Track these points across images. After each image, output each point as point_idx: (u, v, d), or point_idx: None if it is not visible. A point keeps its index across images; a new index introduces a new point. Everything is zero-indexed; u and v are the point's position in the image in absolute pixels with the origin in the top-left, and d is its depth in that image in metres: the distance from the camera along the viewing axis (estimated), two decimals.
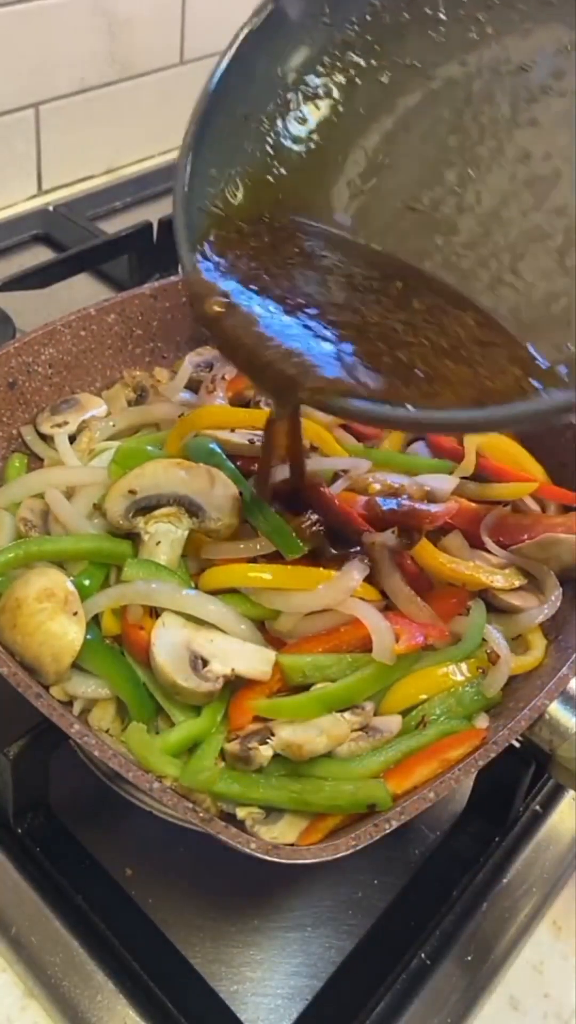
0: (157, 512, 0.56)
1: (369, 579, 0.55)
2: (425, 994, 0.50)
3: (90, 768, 0.56)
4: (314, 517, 0.56)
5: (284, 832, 0.48)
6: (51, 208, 1.05)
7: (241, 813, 0.48)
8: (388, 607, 0.55)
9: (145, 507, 0.56)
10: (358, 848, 0.44)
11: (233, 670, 0.50)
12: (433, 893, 0.54)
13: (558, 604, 0.59)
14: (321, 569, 0.54)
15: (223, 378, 0.67)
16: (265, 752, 0.49)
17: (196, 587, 0.54)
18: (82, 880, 0.53)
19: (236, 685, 0.51)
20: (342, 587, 0.53)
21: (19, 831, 0.54)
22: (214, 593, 0.54)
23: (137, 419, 0.66)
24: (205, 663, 0.50)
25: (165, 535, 0.55)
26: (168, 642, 0.51)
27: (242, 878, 0.55)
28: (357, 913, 0.54)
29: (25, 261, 0.96)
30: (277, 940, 0.53)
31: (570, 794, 0.59)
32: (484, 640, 0.56)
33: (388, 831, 0.44)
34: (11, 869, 0.52)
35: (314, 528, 0.55)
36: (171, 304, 0.72)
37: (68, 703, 0.52)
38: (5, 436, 0.64)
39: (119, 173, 1.15)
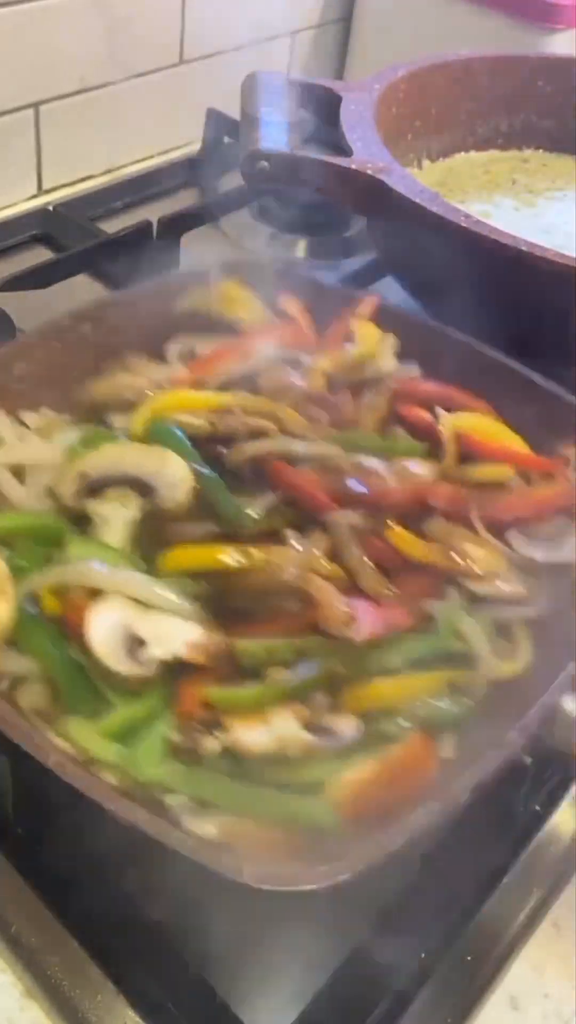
0: (107, 493, 0.56)
1: (337, 561, 0.54)
2: (425, 994, 0.50)
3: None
4: (274, 496, 0.56)
5: (214, 830, 0.47)
6: (51, 208, 1.05)
7: (171, 800, 0.47)
8: (356, 590, 0.54)
9: (96, 488, 0.56)
10: (359, 871, 0.43)
11: (173, 654, 0.49)
12: (433, 893, 0.54)
13: (546, 601, 0.57)
14: (279, 547, 0.54)
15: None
16: (211, 745, 0.48)
17: (155, 570, 0.54)
18: (82, 880, 0.53)
19: (185, 670, 0.50)
20: (299, 562, 0.53)
21: (19, 831, 0.54)
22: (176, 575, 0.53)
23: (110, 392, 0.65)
24: (142, 645, 0.49)
25: (114, 515, 0.55)
26: (104, 623, 0.50)
27: None
28: (357, 913, 0.54)
29: (25, 261, 0.95)
30: (277, 940, 0.53)
31: (570, 794, 0.59)
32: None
33: (392, 849, 0.44)
34: (11, 869, 0.52)
35: (273, 508, 0.56)
36: (147, 311, 0.70)
37: None
38: None
39: (119, 173, 1.15)
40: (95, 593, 0.52)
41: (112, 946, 0.50)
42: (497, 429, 0.66)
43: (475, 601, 0.56)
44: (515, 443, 0.65)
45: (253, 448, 0.60)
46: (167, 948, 0.51)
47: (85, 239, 0.97)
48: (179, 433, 0.59)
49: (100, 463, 0.56)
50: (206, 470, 0.57)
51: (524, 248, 0.69)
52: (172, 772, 0.48)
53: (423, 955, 0.51)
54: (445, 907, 0.54)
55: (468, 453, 0.64)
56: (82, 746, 0.48)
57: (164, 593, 0.52)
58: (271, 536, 0.56)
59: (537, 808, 0.58)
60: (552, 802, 0.58)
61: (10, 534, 0.56)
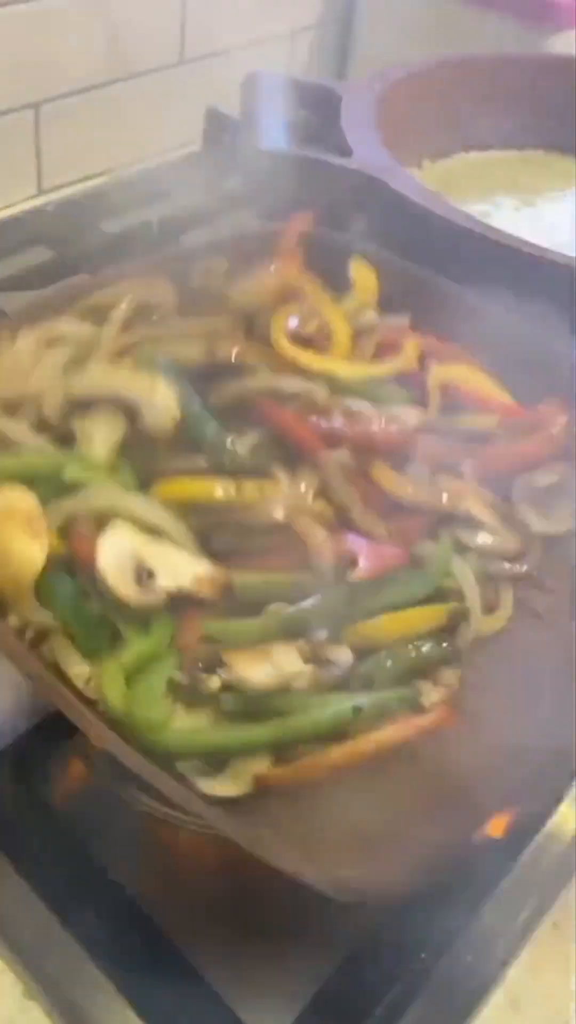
0: (93, 412, 0.56)
1: (326, 499, 0.55)
2: (425, 994, 0.50)
3: (90, 768, 0.56)
4: (260, 433, 0.56)
5: (230, 784, 0.47)
6: (51, 208, 1.05)
7: (182, 767, 0.47)
8: (344, 527, 0.55)
9: (82, 408, 0.56)
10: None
11: (179, 586, 0.49)
12: (433, 893, 0.54)
13: (539, 556, 0.57)
14: (270, 483, 0.54)
15: None
16: (212, 682, 0.48)
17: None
18: (82, 880, 0.53)
19: (185, 604, 0.50)
20: (290, 499, 0.53)
21: (19, 831, 0.54)
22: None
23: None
24: (151, 575, 0.49)
25: (97, 431, 0.55)
26: (115, 550, 0.49)
27: (243, 878, 0.55)
28: (357, 913, 0.54)
29: (25, 261, 0.95)
30: (277, 940, 0.53)
31: (570, 794, 0.59)
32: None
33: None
34: (11, 869, 0.52)
35: (261, 446, 0.56)
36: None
37: (22, 631, 0.51)
38: None
39: (119, 173, 1.15)
40: (101, 525, 0.51)
41: (112, 946, 0.50)
42: (483, 381, 0.65)
43: (463, 550, 0.57)
44: (500, 394, 0.65)
45: (241, 385, 0.60)
46: (167, 948, 0.51)
47: (85, 239, 0.97)
48: (167, 363, 0.59)
49: (87, 383, 0.56)
50: (194, 399, 0.57)
51: (524, 248, 0.69)
52: (171, 713, 0.47)
53: (423, 955, 0.51)
54: (445, 907, 0.54)
55: (454, 403, 0.64)
56: (105, 696, 0.47)
57: (168, 517, 0.52)
58: (259, 475, 0.56)
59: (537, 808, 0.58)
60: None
61: (17, 474, 0.54)
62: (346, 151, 0.80)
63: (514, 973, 0.52)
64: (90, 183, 1.12)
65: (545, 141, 1.07)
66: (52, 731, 0.50)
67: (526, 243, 0.70)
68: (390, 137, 0.83)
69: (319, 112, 0.90)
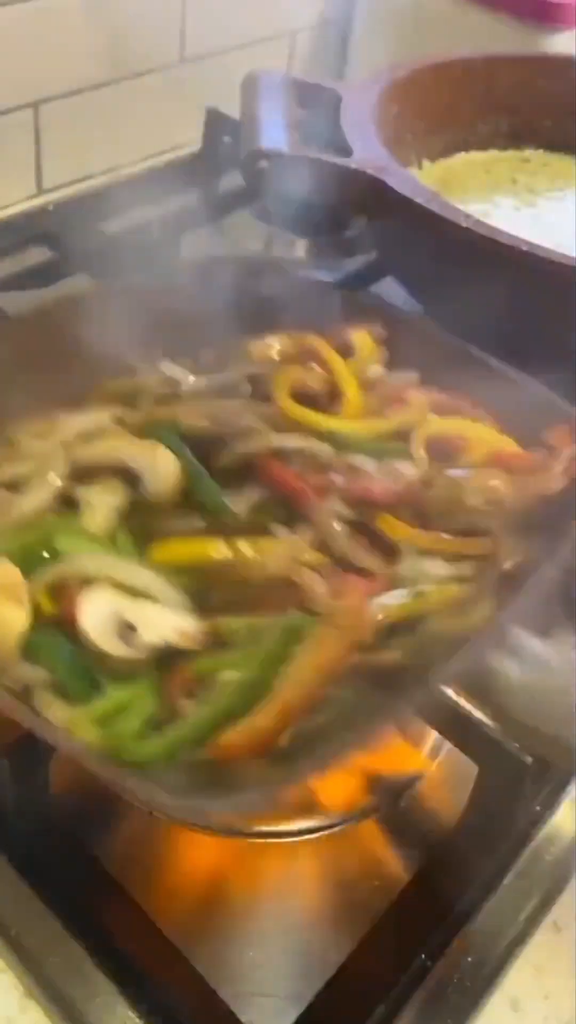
0: (95, 481, 0.58)
1: (324, 551, 0.56)
2: (425, 994, 0.50)
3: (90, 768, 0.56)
4: (261, 491, 0.58)
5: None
6: (51, 208, 1.05)
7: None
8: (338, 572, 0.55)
9: (85, 476, 0.58)
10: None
11: (163, 639, 0.51)
12: (433, 893, 0.54)
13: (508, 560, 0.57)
14: (266, 539, 0.55)
15: None
16: (191, 707, 0.49)
17: (144, 562, 0.55)
18: (82, 880, 0.53)
19: (172, 659, 0.51)
20: (285, 551, 0.54)
21: (19, 831, 0.54)
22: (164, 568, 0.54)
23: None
24: (133, 631, 0.51)
25: (99, 501, 0.57)
26: (96, 609, 0.52)
27: (243, 878, 0.55)
28: (357, 913, 0.54)
29: (25, 261, 0.95)
30: (277, 940, 0.53)
31: (570, 794, 0.59)
32: None
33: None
34: (11, 869, 0.52)
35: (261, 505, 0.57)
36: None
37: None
38: None
39: (119, 173, 1.15)
40: (87, 585, 0.53)
41: (112, 946, 0.50)
42: (484, 433, 0.66)
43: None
44: (505, 443, 0.65)
45: (244, 445, 0.61)
46: (167, 948, 0.51)
47: (85, 239, 0.97)
48: (168, 429, 0.61)
49: (91, 450, 0.58)
50: (194, 463, 0.59)
51: (524, 248, 0.69)
52: (152, 747, 0.48)
53: (423, 955, 0.51)
54: (445, 907, 0.54)
55: (456, 456, 0.64)
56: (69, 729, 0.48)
57: (153, 579, 0.53)
58: (258, 532, 0.57)
59: (537, 808, 0.58)
60: (552, 802, 0.58)
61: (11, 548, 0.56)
62: (346, 151, 0.80)
63: (514, 973, 0.52)
64: (90, 183, 1.12)
65: (545, 141, 1.06)
66: None
67: (526, 243, 0.69)
68: (390, 137, 0.83)
69: (319, 112, 0.90)
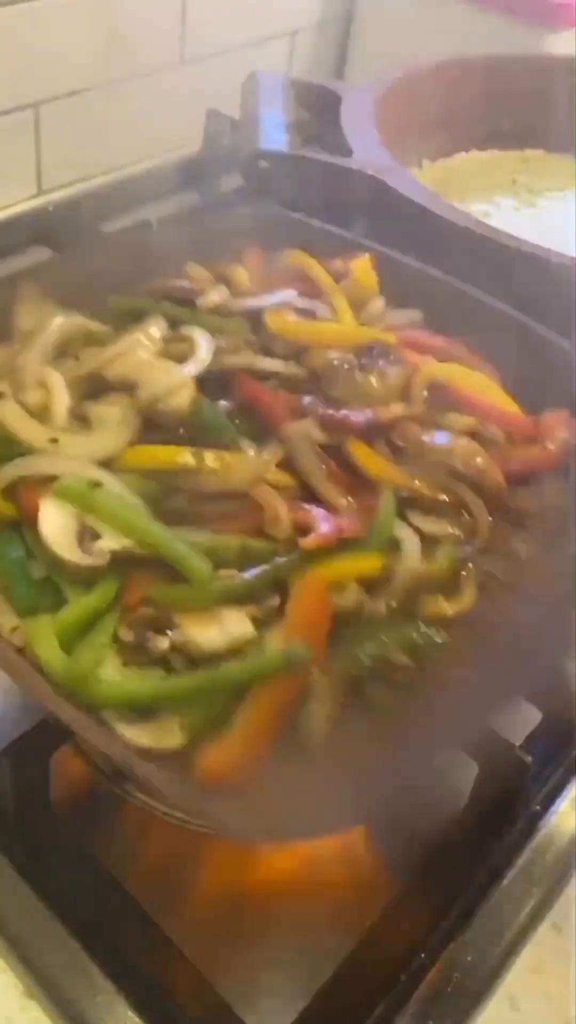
0: (109, 397, 0.58)
1: (287, 469, 0.55)
2: (425, 994, 0.50)
3: (90, 768, 0.56)
4: (235, 403, 0.58)
5: (161, 735, 0.46)
6: (51, 208, 1.05)
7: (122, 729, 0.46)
8: (303, 498, 0.55)
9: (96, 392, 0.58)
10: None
11: (124, 546, 0.49)
12: (433, 893, 0.54)
13: (484, 538, 0.57)
14: (233, 453, 0.55)
15: None
16: (161, 643, 0.47)
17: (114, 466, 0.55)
18: (82, 880, 0.53)
19: (131, 565, 0.50)
20: (250, 467, 0.54)
21: (19, 831, 0.54)
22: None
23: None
24: (95, 537, 0.49)
25: (112, 416, 0.57)
26: (56, 512, 0.50)
27: (243, 878, 0.55)
28: (357, 913, 0.54)
29: (25, 261, 0.95)
30: (277, 940, 0.53)
31: (570, 794, 0.59)
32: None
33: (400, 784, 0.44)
34: (11, 869, 0.52)
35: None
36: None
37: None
38: None
39: (119, 173, 1.15)
40: (46, 485, 0.52)
41: (112, 946, 0.50)
42: (486, 385, 0.65)
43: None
44: (501, 399, 0.65)
45: (224, 360, 0.62)
46: (167, 948, 0.51)
47: (85, 239, 0.97)
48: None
49: (114, 367, 0.58)
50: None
51: (524, 248, 0.69)
52: (108, 674, 0.47)
53: (423, 955, 0.51)
54: (445, 907, 0.54)
55: (454, 405, 0.63)
56: (33, 647, 0.48)
57: (117, 484, 0.52)
58: (224, 445, 0.57)
59: (537, 808, 0.58)
60: (552, 802, 0.58)
61: None
62: (346, 151, 0.80)
63: (514, 973, 0.52)
64: (90, 183, 1.12)
65: (545, 141, 1.07)
66: (52, 731, 0.50)
67: (526, 243, 0.70)
68: (390, 137, 0.83)
69: (319, 112, 0.90)
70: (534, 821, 0.57)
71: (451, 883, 0.55)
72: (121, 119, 1.12)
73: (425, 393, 0.63)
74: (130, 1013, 0.48)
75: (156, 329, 0.63)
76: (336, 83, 0.93)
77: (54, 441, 0.54)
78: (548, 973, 0.53)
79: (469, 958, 0.51)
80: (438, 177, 1.00)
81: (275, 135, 0.79)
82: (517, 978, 0.52)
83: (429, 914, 0.53)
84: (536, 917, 0.54)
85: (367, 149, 0.79)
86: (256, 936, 0.53)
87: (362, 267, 0.71)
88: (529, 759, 0.53)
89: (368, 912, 0.54)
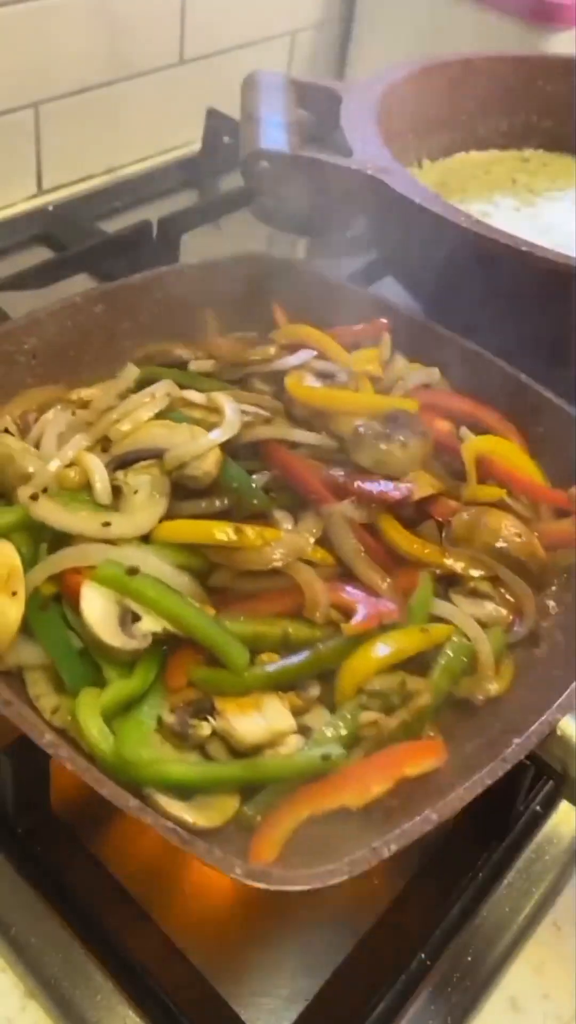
0: (137, 466, 0.57)
1: (327, 548, 0.55)
2: (425, 994, 0.50)
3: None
4: (270, 475, 0.58)
5: (202, 812, 0.47)
6: (51, 208, 1.05)
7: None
8: (343, 578, 0.55)
9: (124, 463, 0.58)
10: (354, 875, 0.43)
11: (165, 628, 0.50)
12: (433, 893, 0.54)
13: (532, 619, 0.57)
14: (273, 529, 0.55)
15: None
16: (203, 731, 0.48)
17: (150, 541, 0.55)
18: (83, 880, 0.53)
19: (174, 645, 0.51)
20: (290, 546, 0.53)
21: (19, 831, 0.54)
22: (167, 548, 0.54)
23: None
24: (136, 619, 0.50)
25: (144, 485, 0.56)
26: (98, 596, 0.50)
27: None
28: (357, 913, 0.54)
29: (25, 261, 0.95)
30: (277, 940, 0.53)
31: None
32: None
33: (387, 856, 0.44)
34: (11, 869, 0.52)
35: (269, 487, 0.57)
36: (161, 296, 0.72)
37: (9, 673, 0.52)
38: None
39: (119, 173, 1.15)
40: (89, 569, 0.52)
41: (112, 946, 0.50)
42: (514, 454, 0.66)
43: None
44: (531, 471, 0.65)
45: (257, 432, 0.61)
46: (168, 948, 0.51)
47: (85, 239, 0.97)
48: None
49: (134, 438, 0.58)
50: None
51: (524, 248, 0.69)
52: (152, 755, 0.48)
53: (423, 955, 0.51)
54: (445, 907, 0.54)
55: (481, 473, 0.64)
56: (77, 723, 0.48)
57: (158, 564, 0.52)
58: (261, 519, 0.57)
59: (537, 809, 0.58)
60: (552, 802, 0.58)
61: (8, 529, 0.56)
62: (346, 151, 0.80)
63: (514, 972, 0.52)
64: (90, 183, 1.12)
65: (545, 141, 1.06)
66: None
67: (526, 243, 0.69)
68: (390, 137, 0.83)
69: (319, 112, 0.90)
70: (534, 821, 0.58)
71: (451, 883, 0.55)
72: (121, 119, 1.12)
73: (474, 470, 0.63)
74: (130, 1013, 0.48)
75: (163, 391, 0.63)
76: (336, 83, 0.93)
77: (107, 525, 0.54)
78: (548, 973, 0.53)
79: (469, 958, 0.51)
80: (438, 177, 1.00)
81: (275, 135, 0.79)
82: (517, 977, 0.52)
83: (429, 914, 0.53)
84: (536, 917, 0.54)
85: (367, 149, 0.79)
86: (256, 936, 0.53)
87: (370, 356, 0.71)
88: (528, 761, 0.53)
89: (368, 912, 0.54)
